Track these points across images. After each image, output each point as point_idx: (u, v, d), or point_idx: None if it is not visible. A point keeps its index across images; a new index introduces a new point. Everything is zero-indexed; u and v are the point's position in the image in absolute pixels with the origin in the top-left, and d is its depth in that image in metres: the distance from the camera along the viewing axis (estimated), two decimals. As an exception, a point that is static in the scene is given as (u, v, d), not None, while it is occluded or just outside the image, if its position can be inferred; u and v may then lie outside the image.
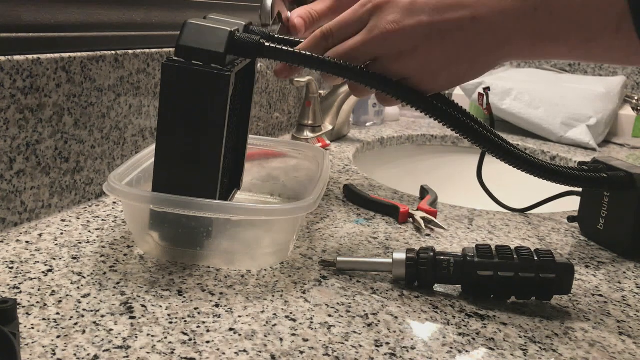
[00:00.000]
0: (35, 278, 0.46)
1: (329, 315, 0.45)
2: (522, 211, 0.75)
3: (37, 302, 0.43)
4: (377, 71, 0.49)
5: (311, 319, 0.44)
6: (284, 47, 0.49)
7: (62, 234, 0.55)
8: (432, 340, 0.43)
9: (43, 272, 0.47)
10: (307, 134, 0.96)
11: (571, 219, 0.70)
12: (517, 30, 0.46)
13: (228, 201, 0.58)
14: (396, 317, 0.46)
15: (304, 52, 0.49)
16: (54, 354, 0.37)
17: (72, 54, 0.56)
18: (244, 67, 0.53)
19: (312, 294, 0.48)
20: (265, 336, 0.41)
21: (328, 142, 0.98)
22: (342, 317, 0.45)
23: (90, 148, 0.61)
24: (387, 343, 0.42)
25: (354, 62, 0.49)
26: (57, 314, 0.42)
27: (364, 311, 0.46)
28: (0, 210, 0.53)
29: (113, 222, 0.59)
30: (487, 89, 0.73)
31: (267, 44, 0.49)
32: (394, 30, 0.47)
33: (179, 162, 0.48)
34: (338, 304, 0.47)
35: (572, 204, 0.74)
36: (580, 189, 0.69)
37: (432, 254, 0.49)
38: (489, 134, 0.54)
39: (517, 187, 0.90)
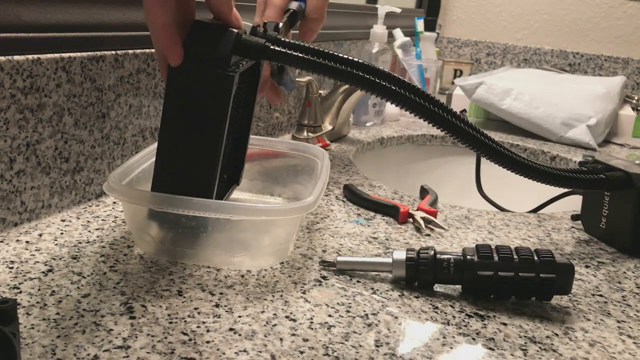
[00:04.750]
0: (35, 278, 0.46)
1: (329, 315, 0.45)
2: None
3: (37, 302, 0.43)
4: None
5: (311, 319, 0.44)
6: (288, 51, 0.49)
7: (62, 234, 0.55)
8: (432, 340, 0.43)
9: (43, 272, 0.47)
10: (307, 134, 0.96)
11: (575, 217, 0.70)
12: None
13: (226, 196, 0.58)
14: (396, 317, 0.46)
15: (307, 57, 0.49)
16: (54, 354, 0.37)
17: (72, 54, 0.56)
18: (249, 67, 0.54)
19: (312, 294, 0.48)
20: (265, 336, 0.41)
21: (328, 142, 0.98)
22: (342, 317, 0.45)
23: (90, 148, 0.61)
24: (387, 343, 0.42)
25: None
26: (57, 314, 0.42)
27: (364, 311, 0.46)
28: (0, 210, 0.53)
29: (113, 222, 0.59)
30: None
31: (272, 46, 0.49)
32: None
33: (179, 158, 0.49)
34: (338, 304, 0.47)
35: (571, 202, 0.74)
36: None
37: (432, 253, 0.49)
38: (481, 137, 0.54)
39: (517, 187, 0.90)
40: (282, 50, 0.49)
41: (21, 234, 0.54)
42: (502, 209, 0.79)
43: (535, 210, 0.79)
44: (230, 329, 0.42)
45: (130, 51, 0.63)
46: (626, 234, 0.62)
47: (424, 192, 0.77)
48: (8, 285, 0.45)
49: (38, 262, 0.49)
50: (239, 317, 0.44)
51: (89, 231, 0.56)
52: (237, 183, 0.61)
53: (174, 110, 0.48)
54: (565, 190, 0.72)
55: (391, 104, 0.51)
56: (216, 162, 0.49)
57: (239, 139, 0.59)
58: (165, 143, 0.49)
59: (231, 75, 0.47)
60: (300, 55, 0.49)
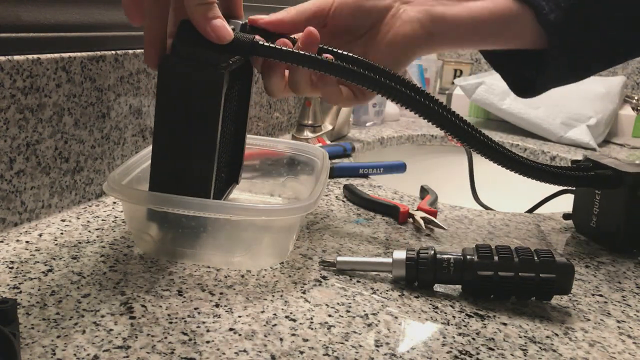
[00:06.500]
0: (35, 278, 0.46)
1: (329, 315, 0.45)
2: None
3: (37, 302, 0.43)
4: None
5: (311, 319, 0.44)
6: (277, 46, 0.49)
7: (62, 234, 0.55)
8: (432, 340, 0.43)
9: (43, 272, 0.47)
10: (307, 134, 0.96)
11: (566, 216, 0.71)
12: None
13: (225, 195, 0.58)
14: (396, 317, 0.46)
15: (297, 51, 0.49)
16: (54, 354, 0.37)
17: (72, 54, 0.56)
18: (242, 65, 0.54)
19: (312, 294, 0.48)
20: (265, 336, 0.41)
21: (328, 142, 0.98)
22: (342, 317, 0.45)
23: (90, 148, 0.61)
24: (387, 343, 0.42)
25: None
26: (57, 314, 0.42)
27: (364, 311, 0.46)
28: (0, 210, 0.53)
29: (113, 222, 0.59)
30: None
31: (261, 42, 0.49)
32: None
33: (174, 157, 0.49)
34: (338, 304, 0.47)
35: (571, 203, 0.74)
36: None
37: (432, 253, 0.49)
38: (472, 131, 0.54)
39: (513, 189, 0.90)
40: (271, 45, 0.49)
41: (21, 234, 0.54)
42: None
43: (530, 211, 0.79)
44: (230, 329, 0.42)
45: (130, 51, 0.63)
46: (615, 232, 0.62)
47: (424, 192, 0.77)
48: (8, 285, 0.45)
49: (38, 262, 0.49)
50: (239, 317, 0.44)
51: (89, 231, 0.56)
52: (237, 182, 0.61)
53: (166, 110, 0.48)
54: (559, 189, 0.72)
55: (385, 97, 0.52)
56: (211, 161, 0.49)
57: (236, 137, 0.60)
58: (159, 143, 0.49)
59: (220, 73, 0.47)
60: (289, 50, 0.49)
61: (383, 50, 0.55)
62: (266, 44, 0.49)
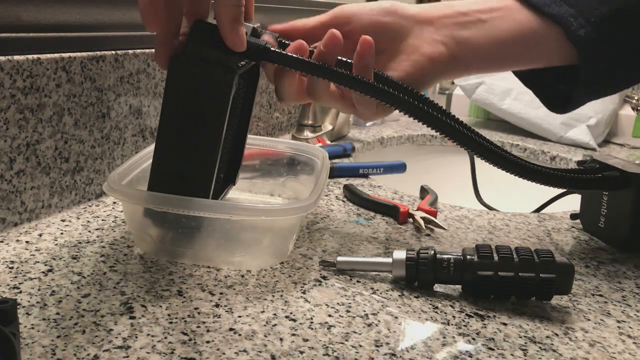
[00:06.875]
0: (35, 278, 0.46)
1: (329, 315, 0.45)
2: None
3: (37, 302, 0.43)
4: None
5: (311, 319, 0.44)
6: (288, 53, 0.49)
7: (62, 234, 0.55)
8: (432, 340, 0.43)
9: (43, 272, 0.47)
10: (307, 134, 0.96)
11: (573, 216, 0.71)
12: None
13: (222, 196, 0.58)
14: (396, 317, 0.46)
15: (307, 60, 0.49)
16: (54, 354, 0.37)
17: (72, 54, 0.56)
18: (250, 67, 0.54)
19: (312, 294, 0.48)
20: (265, 336, 0.41)
21: (328, 142, 0.98)
22: (342, 317, 0.45)
23: (90, 148, 0.61)
24: (387, 343, 0.42)
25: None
26: (57, 314, 0.42)
27: (364, 311, 0.46)
28: (0, 210, 0.53)
29: (113, 222, 0.59)
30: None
31: (272, 48, 0.49)
32: None
33: (176, 156, 0.49)
34: (338, 304, 0.47)
35: (572, 202, 0.74)
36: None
37: (432, 253, 0.49)
38: (476, 137, 0.54)
39: (517, 191, 0.90)
40: (282, 52, 0.49)
41: (21, 234, 0.54)
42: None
43: (537, 211, 0.79)
44: (230, 329, 0.42)
45: (130, 51, 0.64)
46: (624, 232, 0.62)
47: (424, 192, 0.77)
48: (8, 285, 0.45)
49: (38, 262, 0.49)
50: (239, 317, 0.44)
51: (89, 231, 0.56)
52: (234, 183, 0.61)
53: (173, 110, 0.48)
54: (563, 190, 0.73)
55: (394, 108, 0.51)
56: (213, 162, 0.49)
57: (237, 139, 0.60)
58: (163, 142, 0.49)
59: (230, 75, 0.47)
60: (300, 57, 0.49)
61: (406, 69, 0.54)
62: (278, 50, 0.49)
